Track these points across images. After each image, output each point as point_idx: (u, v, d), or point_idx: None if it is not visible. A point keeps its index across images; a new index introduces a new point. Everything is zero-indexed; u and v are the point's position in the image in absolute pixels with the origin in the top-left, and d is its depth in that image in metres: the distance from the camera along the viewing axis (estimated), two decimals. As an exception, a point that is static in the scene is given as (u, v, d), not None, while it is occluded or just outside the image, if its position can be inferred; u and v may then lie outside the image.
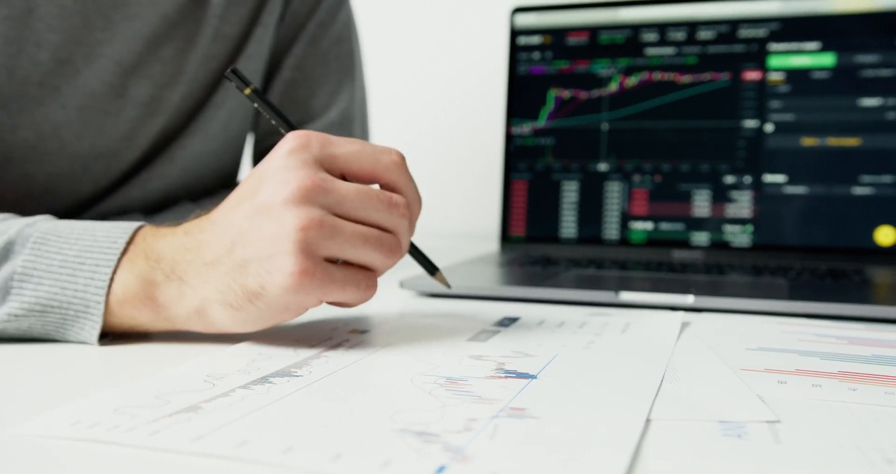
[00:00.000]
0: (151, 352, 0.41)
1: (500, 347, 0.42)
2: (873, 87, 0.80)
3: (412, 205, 0.44)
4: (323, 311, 0.53)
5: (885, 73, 0.80)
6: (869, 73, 0.81)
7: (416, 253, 0.48)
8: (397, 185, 0.43)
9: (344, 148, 0.41)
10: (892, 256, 0.79)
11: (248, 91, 0.45)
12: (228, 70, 0.46)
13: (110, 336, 0.43)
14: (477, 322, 0.49)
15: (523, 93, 0.92)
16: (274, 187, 0.39)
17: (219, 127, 0.69)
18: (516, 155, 0.92)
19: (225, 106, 0.69)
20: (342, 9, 0.77)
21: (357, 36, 0.80)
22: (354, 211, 0.40)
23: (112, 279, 0.41)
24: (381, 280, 0.70)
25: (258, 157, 0.80)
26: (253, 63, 0.70)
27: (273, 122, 0.46)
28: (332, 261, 0.40)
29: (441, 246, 1.06)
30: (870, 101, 0.80)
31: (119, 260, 0.41)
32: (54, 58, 0.58)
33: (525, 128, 0.92)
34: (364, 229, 0.40)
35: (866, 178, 0.80)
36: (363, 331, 0.46)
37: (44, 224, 0.43)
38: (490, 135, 1.16)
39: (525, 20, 0.93)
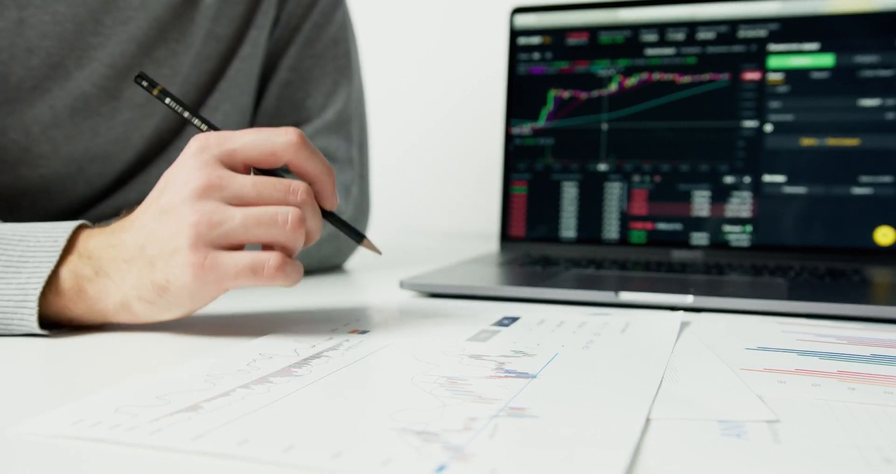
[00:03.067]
0: (152, 352, 0.41)
1: (499, 347, 0.42)
2: (872, 88, 0.80)
3: (319, 178, 0.45)
4: (323, 311, 0.53)
5: (884, 73, 0.80)
6: (868, 73, 0.81)
7: (337, 222, 0.48)
8: (298, 162, 0.44)
9: (240, 140, 0.43)
10: (892, 256, 0.79)
11: (156, 92, 0.48)
12: (136, 76, 0.48)
13: (60, 328, 0.45)
14: (477, 322, 0.50)
15: (523, 93, 0.92)
16: (176, 189, 0.42)
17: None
18: (516, 155, 0.92)
19: (220, 108, 0.69)
20: (338, 10, 0.77)
21: (354, 36, 0.80)
22: (252, 200, 0.42)
23: (51, 275, 0.43)
24: (380, 279, 0.71)
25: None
26: (247, 64, 0.70)
27: (194, 123, 0.47)
28: (238, 248, 0.42)
29: (441, 246, 1.07)
30: (869, 102, 0.80)
31: (60, 257, 0.43)
32: (46, 62, 0.58)
33: (525, 128, 0.92)
34: (256, 210, 0.42)
35: (865, 178, 0.80)
36: (363, 331, 0.46)
37: None
38: (490, 135, 1.16)
39: (525, 20, 0.93)
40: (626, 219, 0.87)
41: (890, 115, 0.80)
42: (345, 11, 0.78)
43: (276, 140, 0.43)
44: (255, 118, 0.76)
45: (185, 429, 0.28)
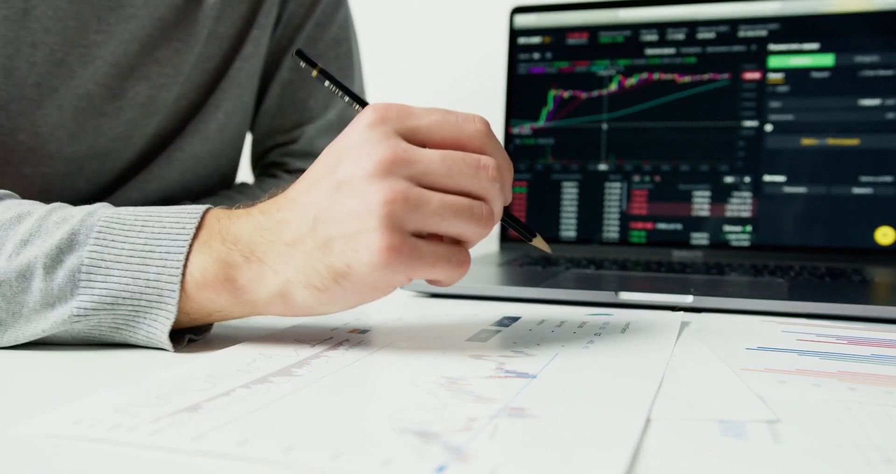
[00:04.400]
0: (152, 352, 0.41)
1: (500, 347, 0.42)
2: (872, 88, 0.80)
3: (503, 170, 0.40)
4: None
5: (884, 73, 0.80)
6: (868, 73, 0.81)
7: (510, 219, 0.45)
8: (484, 152, 0.40)
9: (425, 119, 0.39)
10: (892, 256, 0.79)
11: (315, 72, 0.44)
12: (295, 50, 0.45)
13: (186, 339, 0.41)
14: (477, 322, 0.49)
15: (523, 93, 0.92)
16: (355, 161, 0.37)
17: (216, 128, 0.70)
18: (516, 155, 0.92)
19: (222, 107, 0.69)
20: (339, 9, 0.77)
21: (355, 36, 0.80)
22: (441, 179, 0.38)
23: (186, 264, 0.39)
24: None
25: (257, 158, 0.80)
26: (249, 64, 0.70)
27: (346, 101, 0.44)
28: (420, 235, 0.38)
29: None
30: (869, 101, 0.80)
31: (191, 245, 0.39)
32: (50, 59, 0.58)
33: (525, 128, 0.92)
34: (453, 198, 0.38)
35: (865, 178, 0.80)
36: (363, 331, 0.46)
37: (105, 211, 0.41)
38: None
39: (525, 20, 0.93)
40: (626, 219, 0.87)
41: (890, 115, 0.80)
42: (346, 11, 0.78)
43: (465, 126, 0.39)
44: (257, 118, 0.76)
45: (186, 429, 0.28)
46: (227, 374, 0.35)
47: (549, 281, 0.63)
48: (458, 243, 0.40)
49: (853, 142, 0.81)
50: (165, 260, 0.39)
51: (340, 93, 0.44)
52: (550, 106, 0.91)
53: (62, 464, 0.26)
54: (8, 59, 0.57)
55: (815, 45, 0.83)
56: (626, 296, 0.56)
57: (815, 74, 0.82)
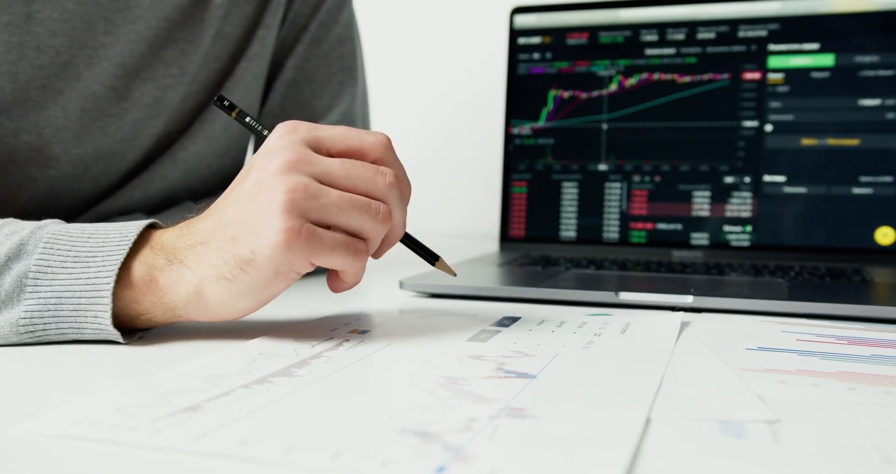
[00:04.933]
0: (152, 353, 0.41)
1: (500, 347, 0.42)
2: (872, 88, 0.80)
3: (401, 182, 0.44)
4: (323, 312, 0.53)
5: (884, 73, 0.80)
6: (868, 73, 0.81)
7: (411, 242, 0.48)
8: (385, 163, 0.44)
9: (330, 131, 0.43)
10: (892, 256, 0.79)
11: (233, 115, 0.49)
12: (215, 98, 0.49)
13: (137, 335, 0.44)
14: (477, 322, 0.50)
15: (523, 93, 0.92)
16: (264, 165, 0.41)
17: (220, 128, 0.70)
18: (516, 155, 0.92)
19: None
20: (343, 9, 0.77)
21: (358, 36, 0.80)
22: (341, 180, 0.41)
23: (122, 268, 0.42)
24: (381, 279, 0.70)
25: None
26: (255, 64, 0.70)
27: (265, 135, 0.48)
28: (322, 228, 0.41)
29: (441, 246, 1.06)
30: (869, 102, 0.80)
31: (129, 251, 0.42)
32: (56, 61, 0.58)
33: (525, 128, 0.92)
34: (351, 194, 0.41)
35: (865, 179, 0.80)
36: (363, 332, 0.46)
37: (54, 227, 0.44)
38: (490, 135, 1.16)
39: (525, 21, 0.93)
40: (626, 219, 0.87)
41: (890, 115, 0.80)
42: (350, 11, 0.78)
43: (367, 138, 0.43)
44: (261, 118, 0.76)
45: (186, 429, 0.28)
46: (227, 375, 0.35)
47: (549, 281, 0.63)
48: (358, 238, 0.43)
49: (853, 142, 0.81)
50: (105, 262, 0.42)
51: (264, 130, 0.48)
52: (550, 106, 0.91)
53: (62, 464, 0.26)
54: (12, 64, 0.57)
55: (815, 46, 0.83)
56: (626, 296, 0.56)
57: (815, 74, 0.82)
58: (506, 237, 0.92)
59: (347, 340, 0.43)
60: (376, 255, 0.46)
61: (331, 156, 0.43)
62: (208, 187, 0.72)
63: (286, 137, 0.42)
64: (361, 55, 0.80)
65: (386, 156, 0.44)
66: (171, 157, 0.67)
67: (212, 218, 0.42)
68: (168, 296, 0.42)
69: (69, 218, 0.63)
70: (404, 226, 0.45)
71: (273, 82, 0.74)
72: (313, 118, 0.75)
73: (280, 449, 0.26)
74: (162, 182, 0.67)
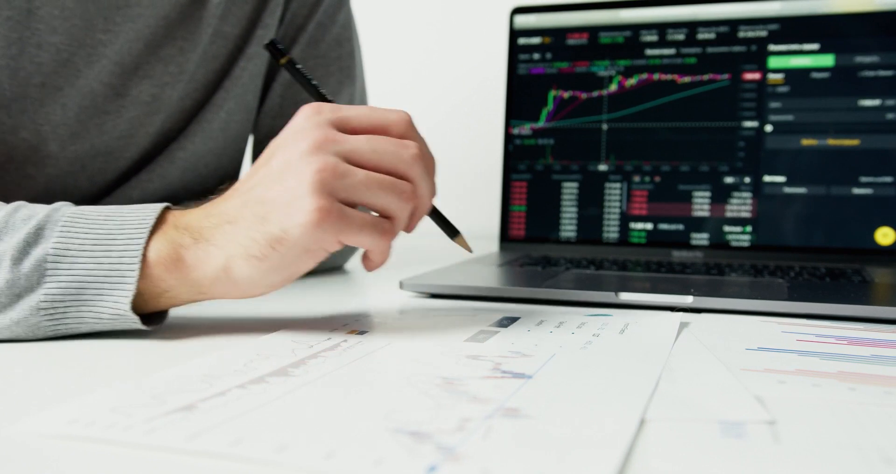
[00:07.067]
0: (149, 352, 0.41)
1: (497, 347, 0.42)
2: (872, 88, 0.80)
3: (426, 156, 0.45)
4: (322, 312, 0.53)
5: (884, 73, 0.80)
6: (868, 73, 0.80)
7: (436, 216, 0.50)
8: (408, 138, 0.45)
9: (353, 110, 0.44)
10: (892, 256, 0.79)
11: (283, 61, 0.49)
12: (266, 42, 0.50)
13: (155, 323, 0.44)
14: (476, 322, 0.49)
15: (523, 93, 0.92)
16: (291, 146, 0.42)
17: (219, 127, 0.69)
18: (516, 155, 0.92)
19: (225, 106, 0.69)
20: (341, 10, 0.77)
21: (356, 37, 0.80)
22: (367, 155, 0.42)
23: (146, 248, 0.42)
24: (380, 280, 0.70)
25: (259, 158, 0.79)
26: (253, 64, 0.70)
27: (324, 95, 0.49)
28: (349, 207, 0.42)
29: (441, 246, 1.06)
30: (869, 102, 0.80)
31: (151, 232, 0.42)
32: (56, 59, 0.58)
33: (525, 128, 0.92)
34: (378, 174, 0.42)
35: (865, 179, 0.80)
36: (362, 332, 0.46)
37: (67, 209, 0.44)
38: (490, 135, 1.16)
39: (525, 21, 0.93)
40: (626, 219, 0.87)
41: (890, 115, 0.80)
42: (348, 11, 0.78)
43: (390, 116, 0.45)
44: (259, 118, 0.76)
45: (180, 429, 0.28)
46: (223, 374, 0.35)
47: (549, 281, 0.62)
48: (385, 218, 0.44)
49: (853, 142, 0.81)
50: (127, 245, 0.42)
51: (305, 86, 0.49)
52: (550, 106, 0.91)
53: (57, 464, 0.25)
54: (12, 60, 0.57)
55: (815, 46, 0.82)
56: (625, 296, 0.56)
57: (816, 75, 0.82)
58: (506, 237, 0.91)
59: (345, 341, 0.43)
60: (408, 229, 0.47)
61: (355, 134, 0.44)
62: (207, 187, 0.72)
63: (312, 118, 0.43)
64: (359, 56, 0.80)
65: (409, 132, 0.45)
66: (168, 156, 0.67)
67: (237, 198, 0.43)
68: (195, 274, 0.42)
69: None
70: (431, 199, 0.46)
71: (271, 82, 0.74)
72: None
73: (273, 448, 0.26)
74: (160, 181, 0.67)
